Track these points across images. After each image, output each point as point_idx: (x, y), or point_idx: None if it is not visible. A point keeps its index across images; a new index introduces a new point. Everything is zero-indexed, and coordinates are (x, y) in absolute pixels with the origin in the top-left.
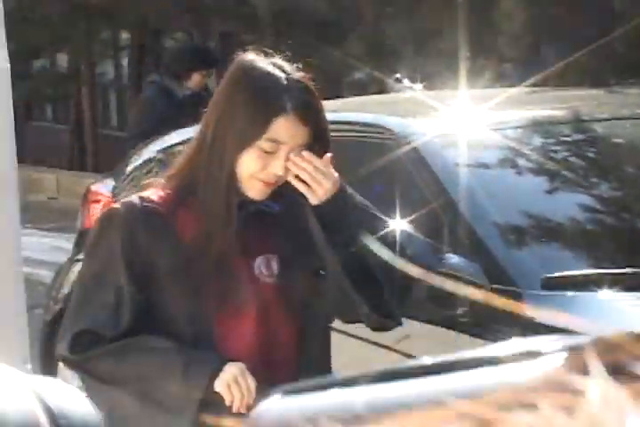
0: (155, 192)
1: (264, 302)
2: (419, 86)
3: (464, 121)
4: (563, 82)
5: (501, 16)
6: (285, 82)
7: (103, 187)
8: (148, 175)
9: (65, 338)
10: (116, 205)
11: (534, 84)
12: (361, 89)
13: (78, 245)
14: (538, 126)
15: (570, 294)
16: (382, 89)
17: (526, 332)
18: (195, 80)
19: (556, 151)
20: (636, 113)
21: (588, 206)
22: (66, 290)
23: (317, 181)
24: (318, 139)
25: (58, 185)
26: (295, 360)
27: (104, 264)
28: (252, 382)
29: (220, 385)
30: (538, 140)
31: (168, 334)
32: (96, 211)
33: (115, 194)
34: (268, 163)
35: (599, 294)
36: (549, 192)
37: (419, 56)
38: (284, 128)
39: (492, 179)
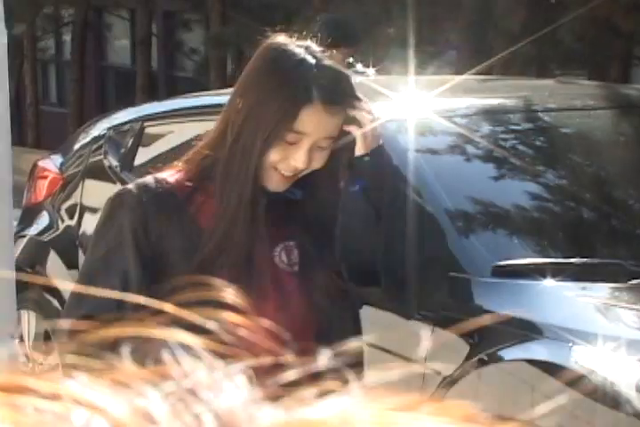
0: (171, 174)
1: (284, 291)
2: (371, 71)
3: (415, 107)
4: (509, 71)
5: (450, 4)
6: (315, 69)
7: (51, 163)
8: (97, 152)
9: (62, 329)
10: (129, 186)
11: (485, 73)
12: None
13: (23, 221)
14: (487, 114)
15: (519, 282)
16: None
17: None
18: (335, 59)
19: (505, 139)
20: (587, 104)
21: (536, 194)
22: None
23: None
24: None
25: None
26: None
27: (112, 247)
28: None
29: None
30: (487, 128)
31: None
32: (43, 186)
33: (62, 170)
34: (290, 154)
35: (547, 282)
36: (498, 179)
37: (368, 40)
38: (309, 119)
39: (442, 165)
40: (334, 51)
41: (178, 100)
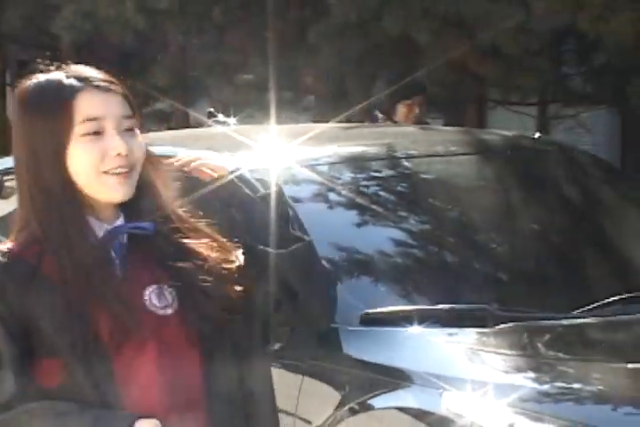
0: (16, 243)
1: (162, 336)
2: (232, 121)
3: (277, 157)
4: (368, 116)
5: (308, 51)
6: (65, 73)
7: None
8: None
9: None
10: None
11: (348, 120)
12: (163, 120)
13: None
14: (350, 162)
15: (387, 329)
16: (186, 120)
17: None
18: (400, 112)
19: (367, 186)
20: (449, 150)
21: (400, 241)
22: None
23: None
24: (135, 110)
25: None
26: (204, 401)
27: None
28: None
29: None
30: (349, 176)
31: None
32: None
33: None
34: (104, 147)
35: (414, 329)
36: (362, 226)
37: (226, 88)
38: (93, 102)
39: (306, 214)
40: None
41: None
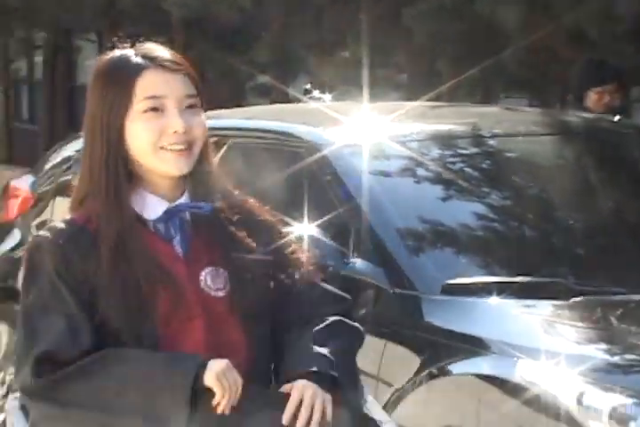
0: (79, 214)
1: (211, 317)
2: (327, 97)
3: (369, 132)
4: (457, 94)
5: (402, 31)
6: (134, 51)
7: (23, 182)
8: (67, 172)
9: (24, 369)
10: (43, 232)
11: (436, 99)
12: (264, 94)
13: None
14: (438, 140)
15: (467, 299)
16: (286, 95)
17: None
18: (592, 99)
19: (453, 163)
20: (531, 130)
21: (482, 215)
22: None
23: None
24: (199, 89)
25: None
26: (248, 374)
27: (46, 294)
28: (238, 377)
29: (209, 378)
30: (437, 153)
31: None
32: (15, 206)
33: (34, 189)
34: (163, 124)
35: (493, 300)
36: (447, 201)
37: (324, 65)
38: (155, 81)
39: (395, 187)
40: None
41: None
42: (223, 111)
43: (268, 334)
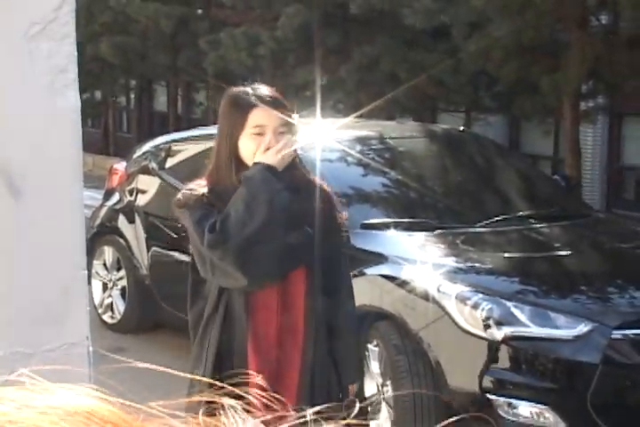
0: (204, 182)
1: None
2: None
3: (323, 136)
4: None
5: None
6: (251, 90)
7: (120, 166)
8: (145, 160)
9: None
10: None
11: (360, 116)
12: None
13: (105, 198)
14: (359, 140)
15: (376, 232)
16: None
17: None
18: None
19: (369, 153)
20: (414, 135)
21: (386, 184)
22: (97, 221)
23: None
24: (290, 122)
25: (93, 163)
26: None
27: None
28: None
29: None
30: (359, 148)
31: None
32: (116, 179)
33: (127, 170)
34: (262, 143)
35: (390, 232)
36: (365, 176)
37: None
38: (259, 115)
39: (335, 168)
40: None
41: (187, 131)
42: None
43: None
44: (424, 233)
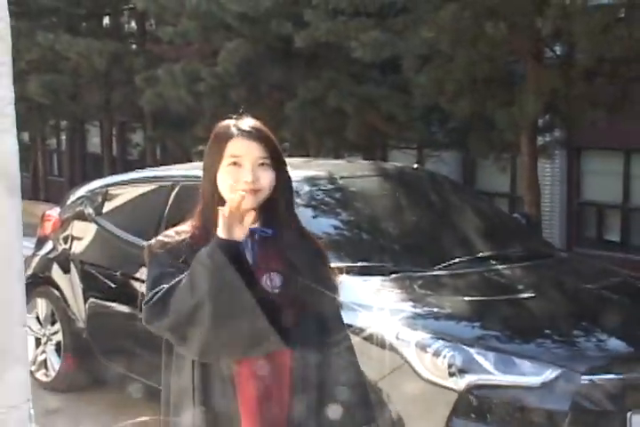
0: (188, 227)
1: (266, 305)
2: None
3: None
4: (318, 154)
5: (285, 118)
6: (233, 122)
7: (54, 212)
8: (80, 205)
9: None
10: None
11: (307, 155)
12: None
13: (37, 246)
14: (307, 180)
15: None
16: None
17: None
18: None
19: (318, 194)
20: (365, 174)
21: (337, 226)
22: (29, 271)
23: None
24: (271, 153)
25: (23, 209)
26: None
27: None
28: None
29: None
30: (307, 188)
31: None
32: (49, 226)
33: (61, 216)
34: (239, 175)
35: (345, 277)
36: (316, 217)
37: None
38: (237, 145)
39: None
40: None
41: (127, 175)
42: (177, 166)
43: (312, 321)
44: (379, 277)
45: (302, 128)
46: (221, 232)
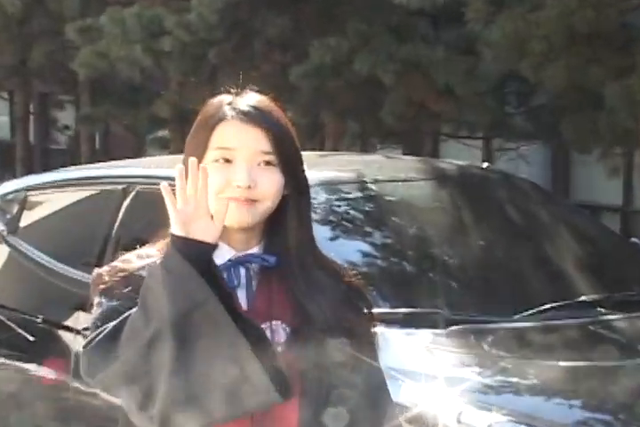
0: (154, 250)
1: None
2: None
3: None
4: (338, 144)
5: (289, 87)
6: (229, 99)
7: None
8: None
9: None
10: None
11: (320, 149)
12: (164, 146)
13: None
14: (325, 185)
15: None
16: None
17: None
18: None
19: (339, 206)
20: (409, 176)
21: (366, 252)
22: None
23: None
24: (279, 146)
25: None
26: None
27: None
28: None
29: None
30: (324, 197)
31: None
32: None
33: None
34: (228, 176)
35: (378, 329)
36: (334, 240)
37: None
38: (229, 132)
39: None
40: None
41: (56, 173)
42: (129, 161)
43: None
44: (431, 331)
45: (315, 105)
46: (177, 227)
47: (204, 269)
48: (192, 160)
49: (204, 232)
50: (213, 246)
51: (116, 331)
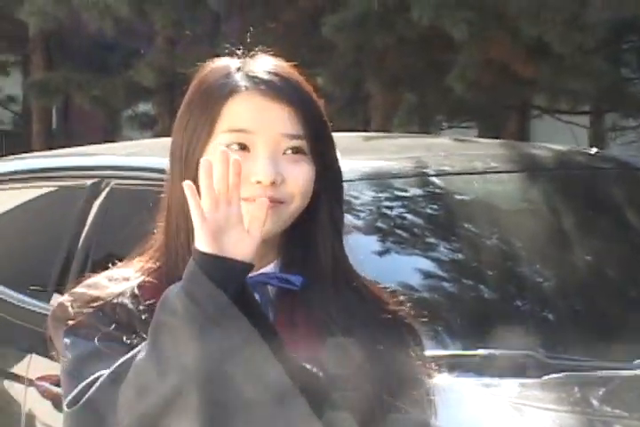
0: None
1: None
2: None
3: None
4: (389, 122)
5: (321, 45)
6: (240, 64)
7: None
8: None
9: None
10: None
11: (364, 129)
12: (147, 125)
13: None
14: (370, 180)
15: None
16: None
17: None
18: None
19: (391, 208)
20: (490, 166)
21: (428, 272)
22: None
23: None
24: (312, 128)
25: None
26: None
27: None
28: None
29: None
30: (371, 195)
31: None
32: None
33: None
34: (246, 170)
35: (445, 378)
36: (383, 254)
37: None
38: (244, 109)
39: None
40: None
41: (3, 162)
42: (99, 147)
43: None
44: (519, 380)
45: (357, 69)
46: (205, 241)
47: (236, 299)
48: (222, 150)
49: (237, 247)
50: (250, 266)
51: (113, 383)
